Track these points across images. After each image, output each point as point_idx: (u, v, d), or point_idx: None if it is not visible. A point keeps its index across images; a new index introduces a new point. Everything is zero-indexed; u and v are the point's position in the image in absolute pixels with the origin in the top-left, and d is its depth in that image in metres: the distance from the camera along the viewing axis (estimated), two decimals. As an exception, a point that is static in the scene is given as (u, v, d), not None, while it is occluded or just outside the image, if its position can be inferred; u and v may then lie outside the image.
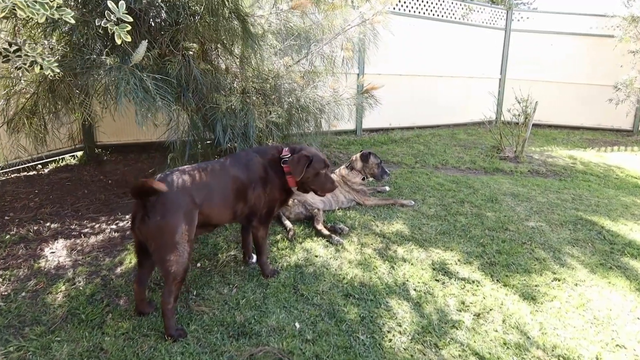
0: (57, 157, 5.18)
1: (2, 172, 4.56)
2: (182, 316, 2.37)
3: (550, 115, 9.31)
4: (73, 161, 5.34)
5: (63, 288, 2.58)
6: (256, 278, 2.77)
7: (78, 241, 3.23)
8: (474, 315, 2.53)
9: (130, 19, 2.21)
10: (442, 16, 8.35)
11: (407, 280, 2.86)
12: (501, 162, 6.23)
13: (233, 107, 3.16)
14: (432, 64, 8.39)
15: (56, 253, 3.04)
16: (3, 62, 2.24)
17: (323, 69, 4.71)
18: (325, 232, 3.39)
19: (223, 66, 3.60)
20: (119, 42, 2.21)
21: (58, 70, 2.12)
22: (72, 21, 1.95)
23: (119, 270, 2.82)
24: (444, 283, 2.87)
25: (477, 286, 2.85)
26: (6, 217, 3.59)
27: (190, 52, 2.77)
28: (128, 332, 2.22)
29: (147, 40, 2.29)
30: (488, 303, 2.66)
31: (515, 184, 5.19)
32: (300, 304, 2.53)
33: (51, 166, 5.07)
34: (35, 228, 3.40)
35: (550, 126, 9.61)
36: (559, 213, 4.22)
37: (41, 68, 2.15)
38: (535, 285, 2.89)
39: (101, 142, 5.54)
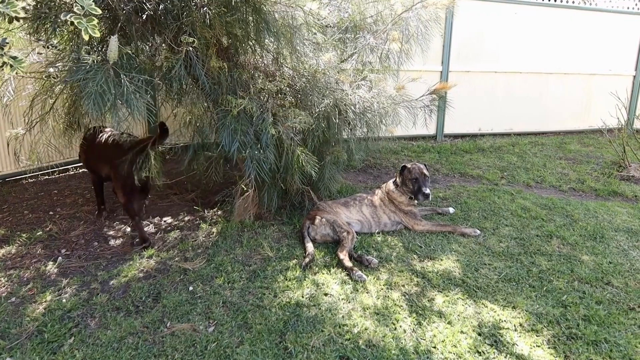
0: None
1: (73, 167, 4.90)
2: (139, 353, 2.03)
3: None
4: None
5: (48, 298, 2.46)
6: (242, 315, 2.32)
7: (96, 244, 3.17)
8: None
9: (99, 11, 1.93)
10: (556, 0, 6.87)
11: (435, 347, 2.12)
12: (622, 184, 4.78)
13: (247, 110, 2.75)
14: (539, 59, 6.96)
15: (69, 255, 3.00)
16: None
17: (379, 65, 4.05)
18: (347, 263, 2.79)
19: (249, 64, 3.22)
20: (86, 38, 1.95)
21: (24, 70, 1.94)
22: (22, 14, 1.73)
23: (110, 283, 2.63)
24: (488, 359, 2.06)
25: (539, 372, 1.98)
26: (51, 212, 3.74)
27: (191, 48, 2.43)
28: (76, 365, 1.97)
29: (117, 35, 2.01)
30: (549, 405, 1.80)
31: (636, 216, 3.86)
32: (279, 361, 2.00)
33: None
34: (68, 226, 3.46)
35: None
36: (702, 267, 2.93)
37: (11, 67, 2.00)
38: (638, 387, 1.91)
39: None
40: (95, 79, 2.03)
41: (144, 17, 2.36)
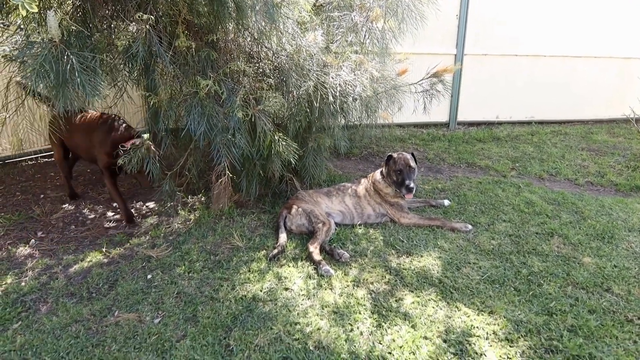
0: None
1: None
2: (77, 342, 1.97)
3: None
4: (139, 143, 5.56)
5: (9, 281, 2.45)
6: (193, 307, 2.22)
7: (73, 227, 3.16)
8: None
9: (33, -17, 1.82)
10: (588, -24, 6.27)
11: (390, 353, 1.94)
12: (647, 179, 4.32)
13: (216, 92, 2.60)
14: (565, 42, 6.39)
15: (43, 238, 3.00)
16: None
17: (377, 47, 3.78)
18: (316, 256, 2.62)
19: (223, 43, 3.05)
20: (23, 13, 1.85)
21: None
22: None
23: (72, 269, 2.59)
24: (447, 369, 1.86)
25: (502, 388, 1.77)
26: (41, 195, 3.78)
27: (147, 26, 2.30)
28: (9, 351, 1.93)
29: (53, 9, 1.90)
30: None
31: (657, 215, 3.46)
32: (216, 360, 1.88)
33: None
34: (52, 208, 3.48)
35: None
36: None
37: (-51, 44, 1.94)
38: (616, 413, 1.66)
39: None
40: (37, 57, 1.94)
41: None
